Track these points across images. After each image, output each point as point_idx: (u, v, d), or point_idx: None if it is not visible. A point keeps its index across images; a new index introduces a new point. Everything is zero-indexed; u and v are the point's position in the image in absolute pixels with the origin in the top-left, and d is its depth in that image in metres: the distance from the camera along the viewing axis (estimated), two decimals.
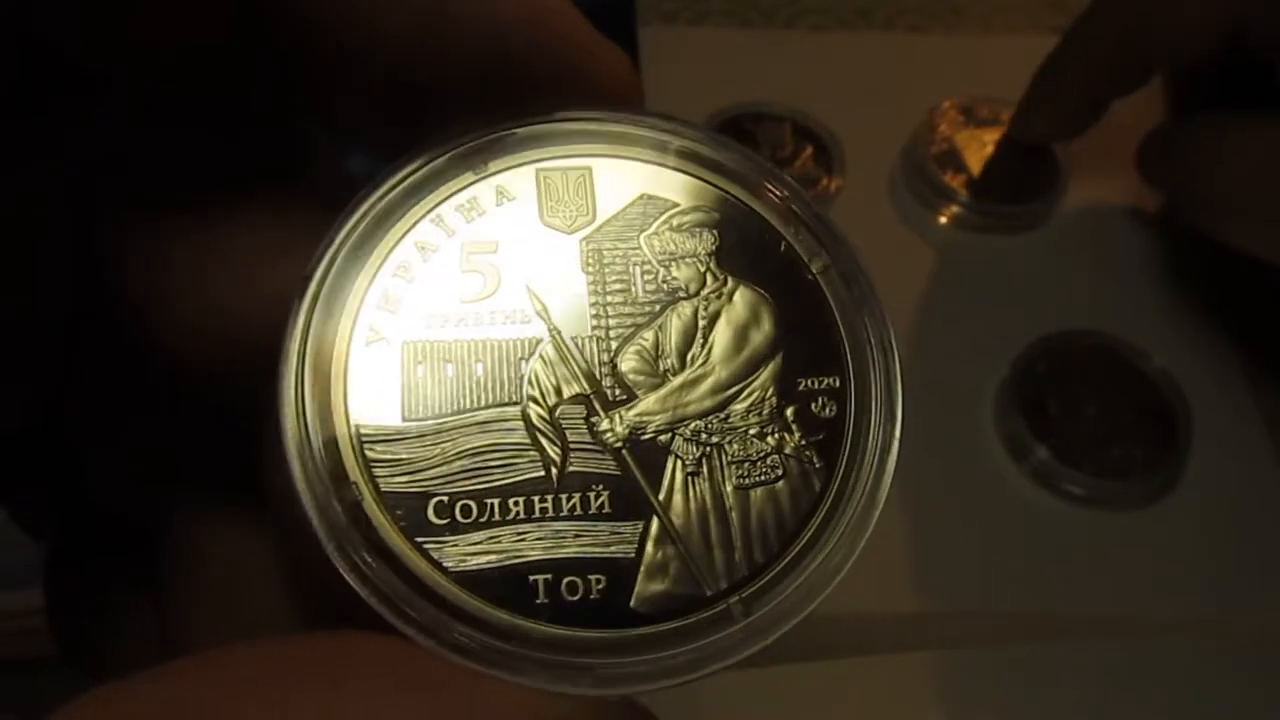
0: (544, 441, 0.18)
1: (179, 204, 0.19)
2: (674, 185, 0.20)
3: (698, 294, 0.20)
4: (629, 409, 0.19)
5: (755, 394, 0.19)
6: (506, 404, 0.18)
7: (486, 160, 0.20)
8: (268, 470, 0.19)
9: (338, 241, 0.19)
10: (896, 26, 0.61)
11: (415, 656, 0.16)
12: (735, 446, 0.19)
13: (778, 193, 0.21)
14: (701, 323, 0.19)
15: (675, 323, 0.19)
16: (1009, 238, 0.54)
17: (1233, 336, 0.51)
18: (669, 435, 0.18)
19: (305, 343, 0.18)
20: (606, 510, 0.18)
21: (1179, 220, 0.53)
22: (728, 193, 0.20)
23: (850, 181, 0.53)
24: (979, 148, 0.55)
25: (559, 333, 0.19)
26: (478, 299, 0.19)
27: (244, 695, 0.14)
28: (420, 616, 0.17)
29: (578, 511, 0.18)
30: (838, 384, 0.19)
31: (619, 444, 0.18)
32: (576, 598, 0.17)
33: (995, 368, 0.48)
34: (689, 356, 0.19)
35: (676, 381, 0.19)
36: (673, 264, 0.20)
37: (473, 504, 0.18)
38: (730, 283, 0.20)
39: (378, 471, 0.18)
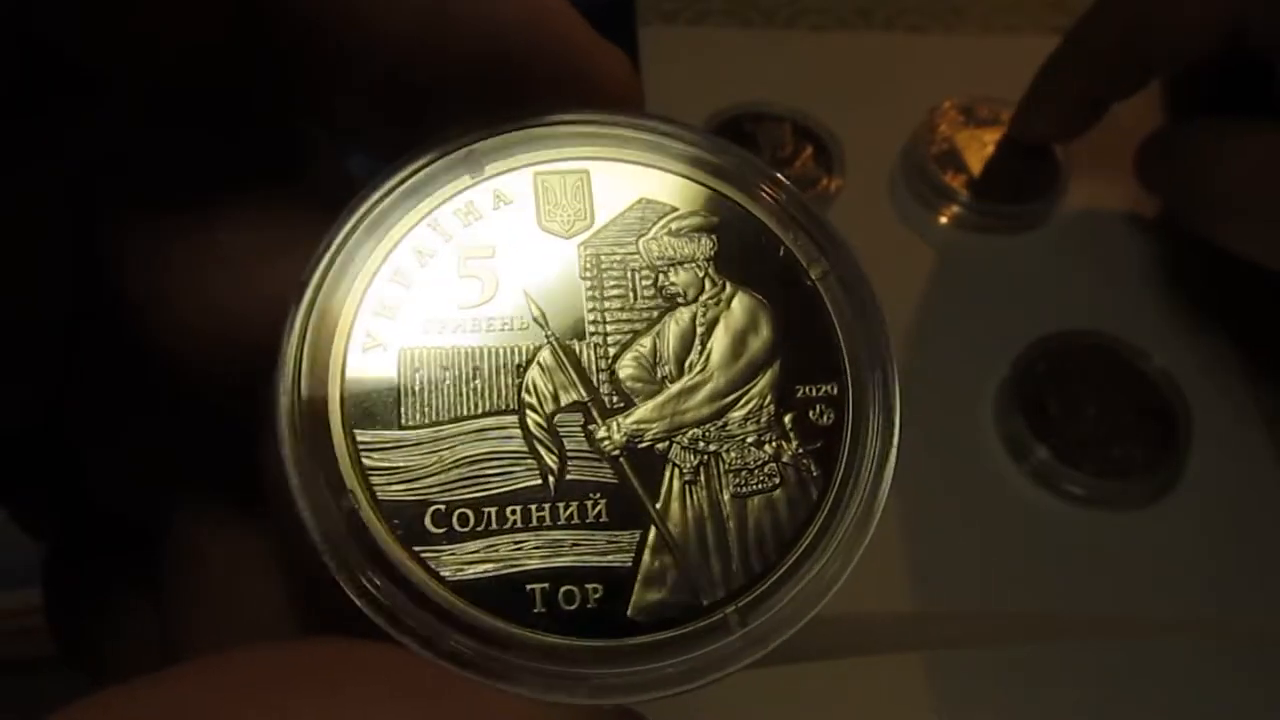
0: (541, 449, 0.18)
1: (179, 204, 0.19)
2: (672, 189, 0.20)
3: (696, 300, 0.19)
4: (627, 416, 0.19)
5: (753, 401, 0.19)
6: (504, 411, 0.18)
7: (484, 163, 0.20)
8: (267, 470, 0.19)
9: (333, 247, 0.19)
10: (896, 26, 0.61)
11: (413, 663, 0.16)
12: (733, 454, 0.18)
13: (777, 197, 0.20)
14: (699, 329, 0.19)
15: (673, 329, 0.19)
16: (1009, 238, 0.53)
17: (1233, 336, 0.51)
18: (666, 443, 0.18)
19: (301, 349, 0.18)
20: (604, 519, 0.18)
21: (1178, 224, 0.53)
22: (726, 197, 0.20)
23: (850, 181, 0.53)
24: (979, 148, 0.55)
25: (557, 339, 0.19)
26: (475, 305, 0.19)
27: (243, 700, 0.14)
28: (417, 626, 0.16)
29: (575, 520, 0.18)
30: (836, 391, 0.19)
31: (616, 452, 0.18)
32: (573, 607, 0.17)
33: (995, 368, 0.48)
34: (687, 363, 0.19)
35: (674, 389, 0.19)
36: (671, 269, 0.20)
37: (470, 512, 0.17)
38: (729, 288, 0.20)
39: (375, 480, 0.17)
